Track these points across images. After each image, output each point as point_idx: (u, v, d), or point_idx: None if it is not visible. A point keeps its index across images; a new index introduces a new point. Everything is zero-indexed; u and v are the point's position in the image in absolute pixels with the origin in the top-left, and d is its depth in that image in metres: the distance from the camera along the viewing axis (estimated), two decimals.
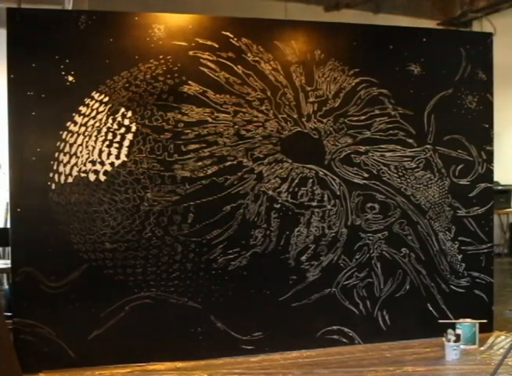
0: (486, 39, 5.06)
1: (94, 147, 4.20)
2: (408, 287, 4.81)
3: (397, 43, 4.80)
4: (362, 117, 4.71)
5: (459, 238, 4.92)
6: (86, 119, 4.19)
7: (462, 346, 4.47)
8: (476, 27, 9.02)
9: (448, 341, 4.38)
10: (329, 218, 4.66)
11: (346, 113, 4.68)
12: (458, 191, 4.91)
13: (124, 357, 4.23)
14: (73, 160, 4.18)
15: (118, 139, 4.23)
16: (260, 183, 4.50)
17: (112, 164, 4.23)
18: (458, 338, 4.42)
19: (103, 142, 4.22)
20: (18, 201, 4.12)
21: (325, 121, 4.64)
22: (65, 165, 4.17)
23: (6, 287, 6.08)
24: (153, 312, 4.29)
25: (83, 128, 4.18)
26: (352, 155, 4.70)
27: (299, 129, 4.59)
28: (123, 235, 4.25)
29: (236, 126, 4.46)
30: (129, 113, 4.26)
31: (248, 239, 4.49)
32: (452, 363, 4.30)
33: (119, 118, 4.24)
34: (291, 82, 4.56)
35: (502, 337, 4.81)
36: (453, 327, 4.55)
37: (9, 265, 4.34)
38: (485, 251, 4.99)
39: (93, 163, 4.20)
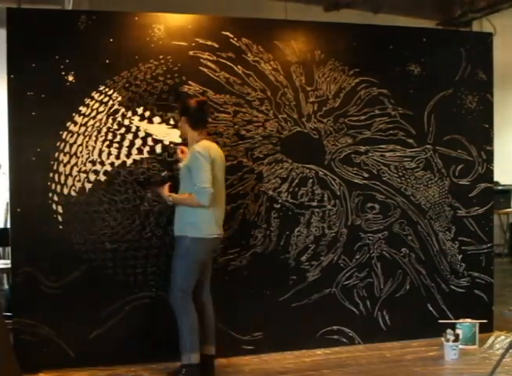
0: (486, 39, 5.06)
1: (94, 147, 4.21)
2: (408, 287, 4.82)
3: (397, 43, 4.81)
4: (362, 117, 4.72)
5: (459, 238, 4.93)
6: (86, 119, 4.19)
7: (461, 346, 4.47)
8: (476, 27, 9.01)
9: (448, 341, 4.38)
10: (329, 218, 4.66)
11: (346, 113, 4.68)
12: (458, 191, 4.91)
13: (124, 357, 4.23)
14: (73, 160, 4.18)
15: (118, 139, 4.24)
16: (260, 183, 4.51)
17: (112, 164, 4.23)
18: (457, 338, 4.42)
19: (103, 142, 4.22)
20: (18, 201, 4.12)
21: (325, 121, 4.64)
22: (65, 165, 4.17)
23: (6, 287, 6.08)
24: (153, 312, 4.29)
25: (83, 128, 4.18)
26: (352, 155, 4.70)
27: (299, 129, 4.60)
28: (123, 235, 4.25)
29: (236, 126, 4.46)
30: (129, 113, 4.26)
31: (248, 239, 4.49)
32: (452, 363, 4.31)
33: (119, 118, 4.24)
34: (291, 82, 4.56)
35: (502, 337, 4.81)
36: (453, 327, 4.55)
37: (9, 265, 4.34)
38: (485, 251, 4.99)
39: (93, 163, 4.20)
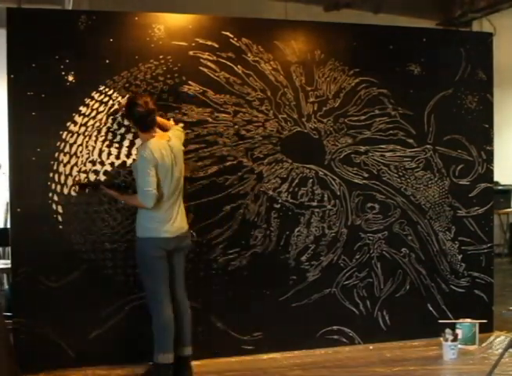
0: (486, 39, 5.06)
1: (94, 147, 4.21)
2: (408, 287, 4.82)
3: (397, 43, 4.80)
4: (362, 117, 4.72)
5: (459, 238, 4.93)
6: (86, 119, 4.19)
7: (461, 346, 4.47)
8: (476, 27, 9.01)
9: (446, 340, 4.38)
10: (329, 218, 4.66)
11: (346, 113, 4.68)
12: (458, 191, 4.91)
13: (124, 357, 4.23)
14: (73, 160, 4.18)
15: (118, 139, 4.24)
16: (260, 183, 4.50)
17: (112, 164, 4.23)
18: (456, 338, 4.43)
19: (103, 142, 4.22)
20: (18, 201, 4.12)
21: (325, 121, 4.64)
22: (65, 165, 4.17)
23: (6, 287, 6.08)
24: None
25: (83, 128, 4.18)
26: (352, 155, 4.70)
27: (299, 129, 4.60)
28: (123, 235, 4.25)
29: (236, 126, 4.46)
30: None
31: (248, 239, 4.49)
32: (452, 363, 4.31)
33: (119, 118, 4.24)
34: (291, 82, 4.56)
35: (502, 337, 4.81)
36: (453, 327, 4.56)
37: (9, 265, 4.34)
38: (485, 251, 4.99)
39: (93, 163, 4.20)
